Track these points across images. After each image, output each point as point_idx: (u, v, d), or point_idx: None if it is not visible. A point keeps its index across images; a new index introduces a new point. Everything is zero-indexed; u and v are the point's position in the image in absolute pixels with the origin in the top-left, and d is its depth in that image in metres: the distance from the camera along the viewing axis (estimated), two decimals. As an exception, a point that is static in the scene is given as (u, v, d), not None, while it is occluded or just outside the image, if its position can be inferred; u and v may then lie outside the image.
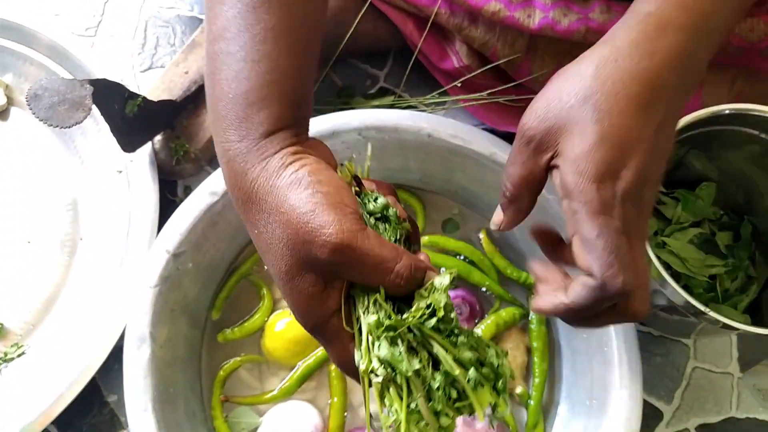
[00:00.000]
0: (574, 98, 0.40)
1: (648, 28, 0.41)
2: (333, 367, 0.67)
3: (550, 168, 0.41)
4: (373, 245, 0.38)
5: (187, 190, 0.80)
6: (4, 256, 0.76)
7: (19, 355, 0.73)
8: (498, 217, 0.46)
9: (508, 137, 0.68)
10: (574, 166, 0.39)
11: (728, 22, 0.44)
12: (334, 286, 0.40)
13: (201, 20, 0.87)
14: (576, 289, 0.39)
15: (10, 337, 0.74)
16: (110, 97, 0.61)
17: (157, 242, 0.64)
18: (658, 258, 0.54)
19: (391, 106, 0.79)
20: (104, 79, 0.60)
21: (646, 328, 0.65)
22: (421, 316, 0.37)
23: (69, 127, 0.58)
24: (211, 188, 0.65)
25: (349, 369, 0.40)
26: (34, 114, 0.58)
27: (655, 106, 0.40)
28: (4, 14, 0.81)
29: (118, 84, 0.62)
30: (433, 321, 0.37)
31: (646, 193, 0.40)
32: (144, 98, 0.68)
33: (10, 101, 0.83)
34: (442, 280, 0.39)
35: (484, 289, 0.71)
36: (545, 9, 0.67)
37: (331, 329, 0.40)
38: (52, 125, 0.58)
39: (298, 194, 0.39)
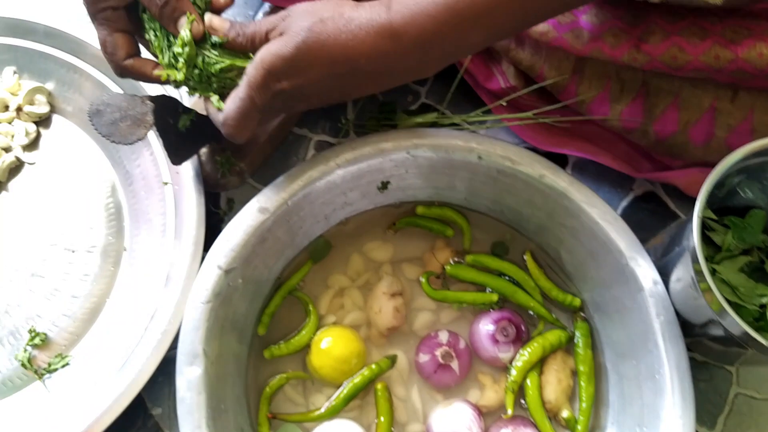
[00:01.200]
0: (303, 23, 0.54)
1: (375, 24, 0.54)
2: (380, 386, 0.67)
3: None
4: None
5: (230, 203, 0.80)
6: (48, 265, 0.77)
7: (63, 366, 0.73)
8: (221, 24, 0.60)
9: (551, 157, 0.68)
10: (267, 53, 0.55)
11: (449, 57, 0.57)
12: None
13: (244, 32, 0.87)
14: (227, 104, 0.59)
15: (53, 347, 0.74)
16: (166, 112, 0.61)
17: (208, 258, 0.64)
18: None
19: (435, 124, 0.79)
20: (162, 95, 0.60)
21: (690, 354, 0.65)
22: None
23: (131, 143, 0.58)
24: (261, 204, 0.66)
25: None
26: (96, 129, 0.58)
27: (334, 69, 0.55)
28: (49, 21, 0.81)
29: (174, 99, 0.62)
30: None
31: (290, 101, 0.58)
32: (196, 113, 0.68)
33: (53, 109, 0.83)
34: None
35: (531, 312, 0.71)
36: (594, 30, 0.67)
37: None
38: (114, 141, 0.58)
39: None
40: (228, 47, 0.59)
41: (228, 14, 0.85)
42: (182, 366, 0.61)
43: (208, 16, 0.59)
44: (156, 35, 0.61)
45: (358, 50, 0.54)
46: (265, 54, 0.55)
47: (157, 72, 0.61)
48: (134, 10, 0.62)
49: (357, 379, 0.67)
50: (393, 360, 0.69)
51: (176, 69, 0.60)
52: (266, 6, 0.88)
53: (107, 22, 0.61)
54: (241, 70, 0.58)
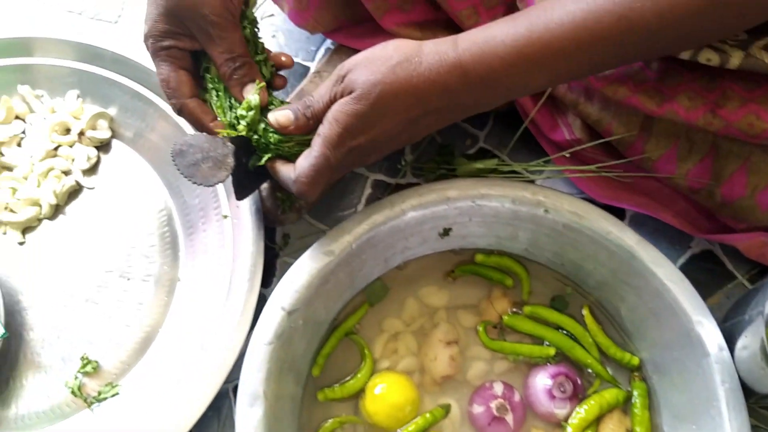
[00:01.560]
0: (373, 75, 0.54)
1: (445, 63, 0.54)
2: None
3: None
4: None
5: (286, 238, 0.80)
6: (103, 292, 0.77)
7: (112, 395, 0.73)
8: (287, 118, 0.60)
9: (609, 209, 0.68)
10: (341, 113, 0.55)
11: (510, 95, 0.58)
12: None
13: (306, 68, 0.88)
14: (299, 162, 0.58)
15: (104, 375, 0.74)
16: (241, 152, 0.62)
17: (272, 299, 0.64)
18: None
19: (495, 170, 0.79)
20: (240, 136, 0.60)
21: (752, 421, 0.64)
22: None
23: (211, 185, 0.58)
24: (327, 247, 0.66)
25: None
26: (178, 170, 0.58)
27: (409, 114, 0.56)
28: (116, 48, 0.82)
29: (248, 139, 0.62)
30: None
31: (364, 155, 0.58)
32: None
33: (113, 134, 0.83)
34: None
35: (588, 369, 0.70)
36: (668, 92, 0.67)
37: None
38: (195, 183, 0.58)
39: None
40: (302, 132, 0.60)
41: (292, 47, 0.86)
42: (243, 407, 0.61)
43: (273, 116, 0.60)
44: (218, 95, 0.63)
45: (430, 91, 0.55)
46: (338, 114, 0.55)
47: (215, 126, 0.63)
48: (197, 60, 0.65)
49: (411, 428, 0.67)
50: (447, 409, 0.69)
51: (236, 130, 0.61)
52: (328, 42, 0.89)
53: (171, 59, 0.63)
54: (300, 140, 0.60)
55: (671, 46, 0.57)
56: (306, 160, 0.57)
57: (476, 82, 0.55)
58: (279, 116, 0.60)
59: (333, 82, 0.57)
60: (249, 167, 0.67)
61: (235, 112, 0.62)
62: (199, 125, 0.64)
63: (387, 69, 0.54)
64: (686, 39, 0.55)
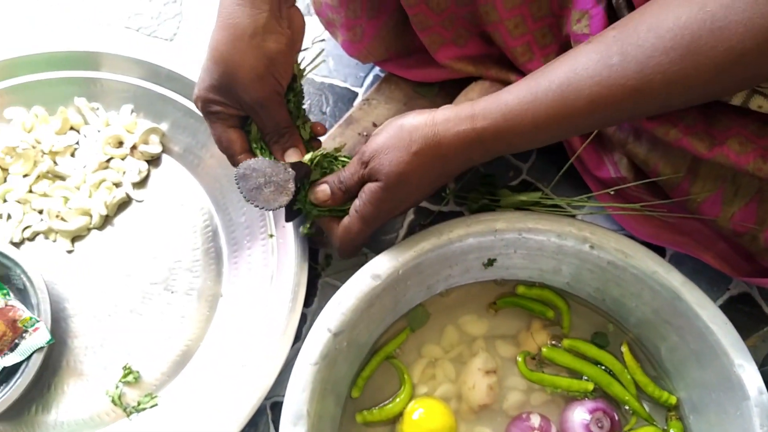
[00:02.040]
0: (396, 165, 0.61)
1: (464, 143, 0.59)
2: None
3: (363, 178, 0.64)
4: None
5: (328, 259, 0.81)
6: (147, 304, 0.78)
7: (151, 406, 0.74)
8: (324, 194, 0.67)
9: (649, 247, 0.68)
10: (375, 193, 0.63)
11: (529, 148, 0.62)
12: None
13: (354, 93, 0.90)
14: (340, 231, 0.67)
15: (144, 386, 0.75)
16: (298, 178, 0.63)
17: (319, 320, 0.65)
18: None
19: (538, 203, 0.80)
20: (299, 162, 0.62)
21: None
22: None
23: (272, 209, 0.60)
24: (374, 271, 0.66)
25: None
26: (241, 192, 0.60)
27: (433, 185, 0.63)
28: (171, 65, 0.84)
29: (307, 165, 0.64)
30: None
31: (396, 215, 0.66)
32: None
33: (165, 149, 0.85)
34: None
35: (626, 407, 0.71)
36: (718, 136, 0.68)
37: None
38: (258, 206, 0.60)
39: None
40: (333, 206, 0.67)
41: (341, 72, 0.88)
42: (287, 426, 0.61)
43: (313, 193, 0.67)
44: (261, 152, 0.67)
45: (452, 164, 0.61)
46: (371, 197, 0.63)
47: None
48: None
49: None
50: None
51: None
52: (377, 69, 0.91)
53: (221, 120, 0.67)
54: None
55: (650, 111, 0.61)
56: (345, 232, 0.66)
57: (495, 152, 0.61)
58: (318, 192, 0.67)
59: (358, 165, 0.63)
60: (304, 193, 0.68)
61: None
62: None
63: (409, 157, 0.60)
64: (663, 107, 0.57)
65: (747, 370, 0.63)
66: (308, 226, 0.73)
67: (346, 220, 0.66)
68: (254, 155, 0.67)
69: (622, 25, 0.55)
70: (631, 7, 0.64)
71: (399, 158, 0.60)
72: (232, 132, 0.68)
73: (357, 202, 0.64)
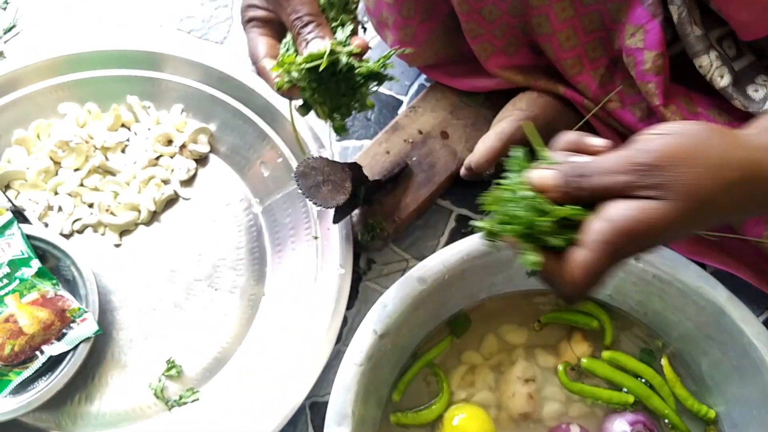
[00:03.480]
0: (704, 195, 0.41)
1: None
2: None
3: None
4: None
5: (370, 263, 0.82)
6: (191, 300, 0.79)
7: (193, 401, 0.75)
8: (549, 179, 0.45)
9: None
10: (639, 223, 0.41)
11: None
12: None
13: (399, 101, 0.91)
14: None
15: (185, 381, 0.76)
16: (354, 178, 0.64)
17: (366, 322, 0.66)
18: None
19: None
20: (354, 163, 0.63)
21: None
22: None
23: (329, 207, 0.61)
24: (420, 274, 0.67)
25: None
26: (299, 189, 0.61)
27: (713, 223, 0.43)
28: (222, 67, 0.85)
29: (360, 166, 0.65)
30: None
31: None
32: (367, 180, 0.71)
33: (212, 149, 0.87)
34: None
35: (665, 420, 0.71)
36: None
37: None
38: (315, 203, 0.61)
39: None
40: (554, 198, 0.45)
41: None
42: (332, 425, 0.62)
43: (536, 173, 0.46)
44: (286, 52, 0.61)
45: (750, 199, 0.43)
46: (635, 225, 0.41)
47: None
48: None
49: None
50: None
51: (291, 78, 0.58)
52: (422, 78, 0.92)
53: (255, 28, 0.63)
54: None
55: None
56: (583, 272, 0.43)
57: None
58: (542, 175, 0.45)
59: (630, 166, 0.42)
60: (356, 194, 0.69)
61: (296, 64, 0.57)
62: (268, 83, 0.63)
63: (717, 170, 0.41)
64: None
65: (793, 389, 0.63)
66: (365, 235, 0.72)
67: (587, 253, 0.43)
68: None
69: None
70: (695, 20, 0.64)
71: (708, 184, 0.41)
72: (260, 39, 0.63)
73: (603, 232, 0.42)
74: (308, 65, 0.55)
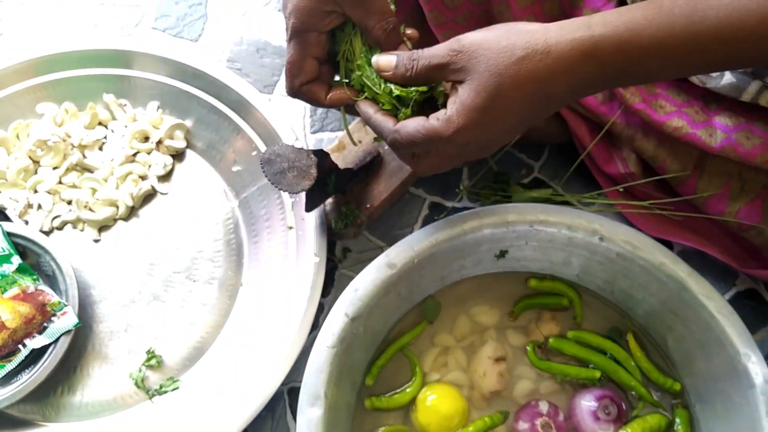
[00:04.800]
0: (496, 67, 0.53)
1: (578, 52, 0.52)
2: None
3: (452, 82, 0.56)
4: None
5: (345, 251, 0.84)
6: (170, 291, 0.81)
7: (173, 389, 0.77)
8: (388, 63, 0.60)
9: (658, 241, 0.71)
10: (461, 105, 0.54)
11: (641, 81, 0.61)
12: None
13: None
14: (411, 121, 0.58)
15: (166, 370, 0.78)
16: (319, 165, 0.66)
17: (337, 305, 0.67)
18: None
19: (549, 200, 0.82)
20: (320, 150, 0.65)
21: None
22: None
23: (296, 192, 0.63)
24: (390, 260, 0.69)
25: None
26: (265, 176, 0.62)
27: (531, 108, 0.54)
28: (197, 64, 0.87)
29: (326, 153, 0.67)
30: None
31: (473, 153, 0.58)
32: (337, 167, 0.72)
33: (189, 144, 0.88)
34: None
35: (632, 393, 0.73)
36: (727, 130, 0.70)
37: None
38: (281, 189, 0.63)
39: None
40: (398, 82, 0.59)
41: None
42: (304, 406, 0.64)
43: (376, 58, 0.60)
44: (365, 57, 0.63)
45: (557, 82, 0.53)
46: (456, 111, 0.54)
47: (330, 99, 0.65)
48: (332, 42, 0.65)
49: (471, 428, 0.70)
50: (505, 416, 0.71)
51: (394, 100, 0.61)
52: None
53: (305, 45, 0.63)
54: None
55: None
56: (418, 123, 0.56)
57: (610, 72, 0.53)
58: (382, 60, 0.59)
59: (447, 51, 0.55)
60: (325, 181, 0.71)
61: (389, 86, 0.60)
62: (316, 101, 0.66)
63: (510, 63, 0.52)
64: None
65: (753, 359, 0.65)
66: (338, 223, 0.75)
67: (422, 117, 0.57)
68: (346, 69, 0.65)
69: None
70: None
71: (500, 62, 0.52)
72: (309, 62, 0.63)
73: (444, 111, 0.55)
74: (417, 97, 0.59)
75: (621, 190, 0.79)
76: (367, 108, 0.62)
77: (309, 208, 0.74)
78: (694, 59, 0.52)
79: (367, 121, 0.62)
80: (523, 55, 0.52)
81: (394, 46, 0.62)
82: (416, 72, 0.57)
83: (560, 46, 0.52)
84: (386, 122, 0.60)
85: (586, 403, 0.71)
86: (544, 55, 0.52)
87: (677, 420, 0.71)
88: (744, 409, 0.65)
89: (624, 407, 0.71)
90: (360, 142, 0.83)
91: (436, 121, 0.55)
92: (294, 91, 0.65)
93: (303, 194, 0.73)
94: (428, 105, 0.60)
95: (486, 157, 0.62)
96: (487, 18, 0.75)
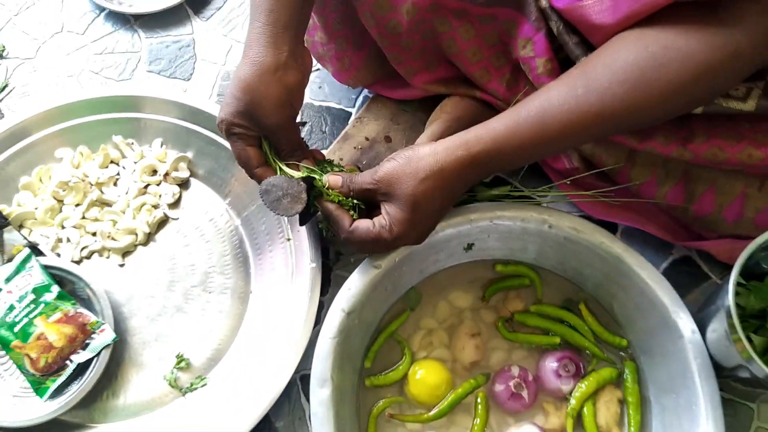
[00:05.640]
0: (409, 190, 0.71)
1: (462, 167, 0.71)
2: (480, 395, 0.84)
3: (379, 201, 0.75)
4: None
5: (338, 255, 0.97)
6: (190, 303, 0.94)
7: (202, 386, 0.90)
8: (335, 182, 0.78)
9: (604, 223, 0.84)
10: (394, 218, 0.73)
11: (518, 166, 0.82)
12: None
13: (348, 113, 1.06)
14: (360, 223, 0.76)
15: (194, 370, 0.91)
16: (308, 188, 0.79)
17: (335, 303, 0.81)
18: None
19: (508, 195, 0.95)
20: (308, 176, 0.77)
21: (726, 394, 0.80)
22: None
23: (291, 215, 0.75)
24: (375, 261, 0.82)
25: None
26: (264, 204, 0.75)
27: (442, 205, 0.74)
28: (192, 102, 0.99)
29: (313, 178, 0.79)
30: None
31: (415, 238, 0.77)
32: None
33: (192, 174, 1.01)
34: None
35: (587, 352, 0.87)
36: (647, 132, 0.83)
37: None
38: (279, 214, 0.75)
39: None
40: (345, 196, 0.77)
41: (336, 95, 1.03)
42: (315, 388, 0.77)
43: (326, 177, 0.78)
44: (275, 165, 0.81)
45: (454, 185, 0.73)
46: (400, 219, 0.73)
47: None
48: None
49: (459, 390, 0.84)
50: (487, 377, 0.85)
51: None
52: (366, 91, 1.06)
53: (241, 140, 0.79)
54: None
55: (613, 132, 0.78)
56: (367, 228, 0.74)
57: (488, 171, 0.73)
58: (332, 179, 0.77)
59: (371, 180, 0.74)
60: (311, 200, 0.84)
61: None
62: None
63: (417, 183, 0.71)
64: (622, 128, 0.74)
65: (681, 315, 0.78)
66: (329, 232, 0.87)
67: (369, 221, 0.74)
68: (270, 168, 0.80)
69: (583, 64, 0.69)
70: (570, 31, 0.79)
71: (411, 185, 0.71)
72: (250, 150, 0.79)
73: (384, 221, 0.73)
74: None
75: (568, 182, 0.92)
76: (327, 205, 0.78)
77: (302, 222, 0.87)
78: (548, 150, 0.75)
79: (327, 215, 0.78)
80: (424, 176, 0.71)
81: (298, 162, 0.80)
82: (354, 193, 0.76)
83: (449, 166, 0.71)
84: (343, 220, 0.76)
85: (550, 364, 0.85)
86: (438, 173, 0.71)
87: (626, 370, 0.85)
88: (677, 356, 0.78)
89: (581, 365, 0.85)
90: (342, 159, 0.96)
91: (381, 228, 0.73)
92: (251, 175, 0.81)
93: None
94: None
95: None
96: (438, 51, 0.88)
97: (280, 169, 0.80)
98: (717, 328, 0.75)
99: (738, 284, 0.80)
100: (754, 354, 0.68)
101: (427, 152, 0.72)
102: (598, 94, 0.65)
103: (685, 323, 0.78)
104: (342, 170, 0.82)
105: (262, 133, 0.79)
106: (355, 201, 0.77)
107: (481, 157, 0.70)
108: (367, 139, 0.98)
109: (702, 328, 0.78)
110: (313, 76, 1.08)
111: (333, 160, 0.85)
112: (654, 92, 0.64)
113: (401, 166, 0.72)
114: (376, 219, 0.74)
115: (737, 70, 0.63)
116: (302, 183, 0.76)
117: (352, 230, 0.75)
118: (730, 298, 0.71)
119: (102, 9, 1.17)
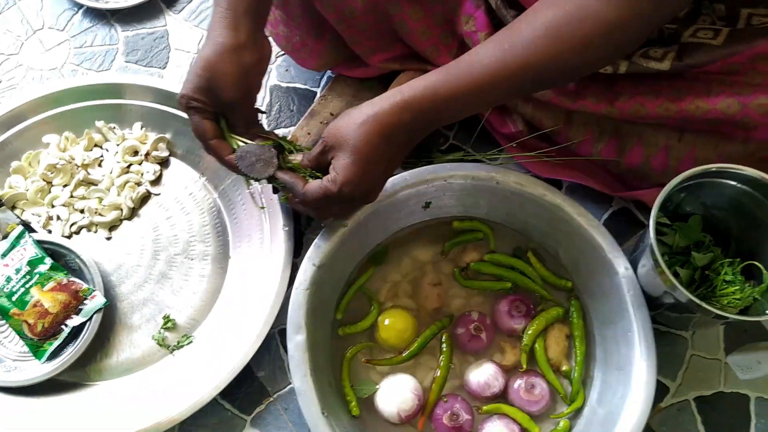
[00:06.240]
0: (349, 136, 0.74)
1: (396, 109, 0.74)
2: (445, 335, 0.93)
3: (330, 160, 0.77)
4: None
5: (309, 220, 1.05)
6: (174, 270, 1.02)
7: (188, 344, 0.98)
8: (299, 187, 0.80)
9: (550, 181, 0.93)
10: (335, 171, 0.75)
11: (454, 117, 0.79)
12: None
13: (313, 93, 1.14)
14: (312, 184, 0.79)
15: (180, 330, 0.99)
16: (279, 155, 0.87)
17: (307, 258, 0.89)
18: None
19: (462, 160, 1.05)
20: (278, 144, 0.86)
21: (655, 325, 0.89)
22: None
23: (264, 178, 0.83)
24: (342, 221, 0.91)
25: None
26: (241, 169, 0.83)
27: (384, 156, 0.76)
28: (168, 87, 1.07)
29: (282, 146, 0.88)
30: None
31: (367, 192, 0.80)
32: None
33: (171, 153, 1.09)
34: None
35: (537, 294, 0.96)
36: (579, 92, 0.93)
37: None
38: (253, 177, 0.83)
39: None
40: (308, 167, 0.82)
41: (301, 77, 1.12)
42: (291, 333, 0.85)
43: (291, 156, 0.83)
44: (231, 140, 0.84)
45: (393, 132, 0.75)
46: (336, 172, 0.76)
47: (228, 158, 0.83)
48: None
49: (427, 331, 0.92)
50: (451, 318, 0.94)
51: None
52: (329, 72, 1.15)
53: (198, 113, 0.81)
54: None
55: (538, 84, 0.81)
56: (316, 184, 0.78)
57: (424, 117, 0.75)
58: (297, 158, 0.83)
59: (320, 143, 0.78)
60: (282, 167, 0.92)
61: None
62: (218, 158, 0.84)
63: (355, 129, 0.74)
64: (547, 81, 0.79)
65: (615, 255, 0.88)
66: (285, 196, 0.95)
67: (318, 180, 0.77)
68: (225, 142, 0.83)
69: (509, 26, 0.77)
70: (508, 5, 0.88)
71: (350, 132, 0.74)
72: (206, 123, 0.81)
73: (331, 174, 0.76)
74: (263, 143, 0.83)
75: (514, 145, 1.01)
76: (282, 174, 0.82)
77: (276, 190, 0.96)
78: (481, 100, 0.77)
79: (285, 184, 0.82)
80: (361, 121, 0.74)
81: (252, 138, 0.84)
82: (311, 161, 0.80)
83: (383, 110, 0.74)
84: (297, 184, 0.79)
85: (503, 307, 0.94)
86: (374, 117, 0.74)
87: (572, 309, 0.94)
88: (614, 291, 0.88)
89: (531, 306, 0.94)
90: (309, 133, 1.05)
91: (327, 182, 0.76)
92: (206, 147, 0.84)
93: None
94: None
95: (374, 201, 0.83)
96: (392, 31, 0.97)
97: (236, 141, 0.83)
98: (645, 263, 0.85)
99: (665, 225, 0.90)
100: (674, 280, 0.78)
101: (365, 104, 0.76)
102: (521, 47, 0.72)
103: (620, 262, 0.88)
104: (300, 149, 0.86)
105: (220, 109, 0.82)
106: (311, 170, 0.81)
107: (415, 102, 0.73)
108: (332, 114, 1.07)
109: (635, 266, 0.88)
110: (279, 60, 1.17)
111: (287, 137, 0.91)
112: (571, 45, 0.71)
113: (341, 118, 0.76)
114: (325, 176, 0.77)
115: (642, 28, 0.72)
116: (273, 149, 0.84)
117: (304, 191, 0.78)
118: (651, 235, 0.80)
119: (80, 6, 1.25)
